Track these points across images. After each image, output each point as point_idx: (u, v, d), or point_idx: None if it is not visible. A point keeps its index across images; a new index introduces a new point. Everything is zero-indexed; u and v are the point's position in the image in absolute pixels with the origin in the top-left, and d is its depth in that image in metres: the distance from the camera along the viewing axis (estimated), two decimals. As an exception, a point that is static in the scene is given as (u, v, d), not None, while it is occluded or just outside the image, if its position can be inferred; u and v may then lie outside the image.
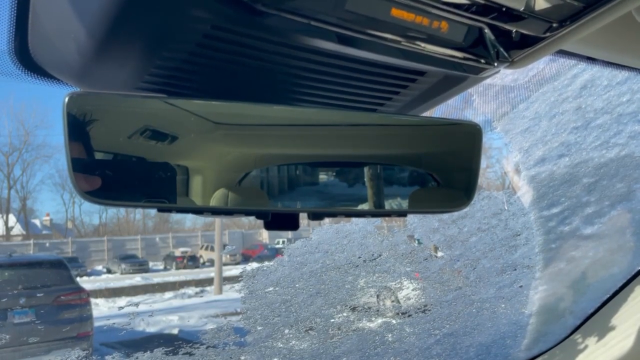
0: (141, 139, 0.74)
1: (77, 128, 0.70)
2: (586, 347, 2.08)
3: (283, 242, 24.05)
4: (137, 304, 13.33)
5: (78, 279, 9.78)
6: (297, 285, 2.85)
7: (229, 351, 2.82)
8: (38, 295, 7.49)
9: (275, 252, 23.62)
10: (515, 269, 2.93)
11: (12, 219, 38.80)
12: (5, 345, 6.61)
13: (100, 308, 13.70)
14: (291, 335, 2.81)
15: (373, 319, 3.28)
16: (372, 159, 0.92)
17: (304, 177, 0.88)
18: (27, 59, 0.85)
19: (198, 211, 0.84)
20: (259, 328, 2.78)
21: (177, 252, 30.27)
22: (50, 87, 0.88)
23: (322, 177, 0.89)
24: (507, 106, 2.59)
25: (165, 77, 0.77)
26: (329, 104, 0.92)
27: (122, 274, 25.34)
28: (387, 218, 2.09)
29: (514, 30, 0.79)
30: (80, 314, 7.68)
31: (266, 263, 3.11)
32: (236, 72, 0.79)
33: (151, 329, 10.21)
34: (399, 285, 3.26)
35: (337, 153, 0.91)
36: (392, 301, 3.74)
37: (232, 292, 14.26)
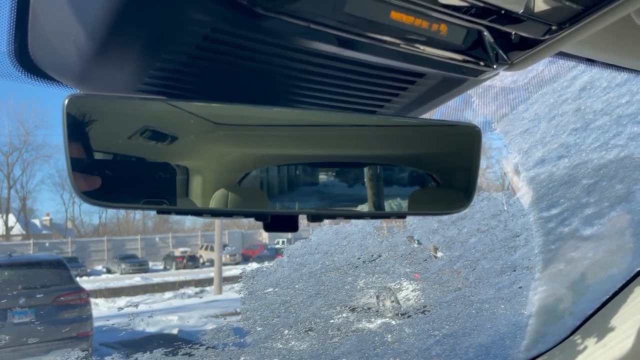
0: (141, 140, 0.74)
1: (77, 130, 0.70)
2: (585, 348, 2.09)
3: (283, 242, 24.04)
4: (136, 304, 13.33)
5: (78, 279, 9.78)
6: (296, 286, 2.85)
7: (228, 352, 2.82)
8: (38, 295, 7.49)
9: (275, 253, 23.61)
10: (514, 270, 2.94)
11: (11, 219, 38.80)
12: (5, 346, 6.60)
13: (100, 308, 13.69)
14: (291, 336, 2.81)
15: (373, 319, 3.28)
16: (371, 160, 0.93)
17: (304, 178, 0.88)
18: (27, 61, 0.85)
19: (198, 213, 0.84)
20: (259, 329, 2.78)
21: (177, 252, 30.26)
22: (50, 88, 0.89)
23: (322, 178, 0.89)
24: (506, 108, 2.59)
25: (164, 79, 0.78)
26: (329, 105, 0.92)
27: (121, 274, 25.32)
28: (386, 219, 2.10)
29: (513, 32, 0.79)
30: (79, 314, 7.67)
31: (266, 263, 3.11)
32: (236, 75, 0.79)
33: (151, 329, 10.20)
34: (398, 286, 3.26)
35: (337, 154, 0.91)
36: (392, 302, 3.74)
37: (231, 293, 14.26)
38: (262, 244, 31.72)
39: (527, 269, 2.83)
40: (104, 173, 0.72)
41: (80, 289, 8.12)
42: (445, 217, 2.94)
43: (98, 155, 0.72)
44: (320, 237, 3.04)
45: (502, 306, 2.88)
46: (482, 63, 0.82)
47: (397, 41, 0.74)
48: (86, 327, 7.65)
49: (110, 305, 14.69)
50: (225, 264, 21.57)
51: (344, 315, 2.98)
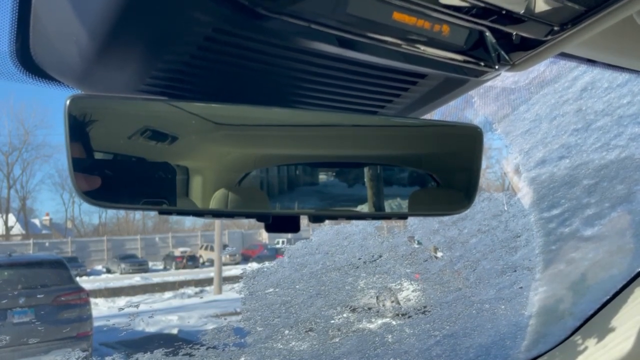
0: (142, 141, 0.74)
1: (78, 131, 0.70)
2: (586, 348, 2.08)
3: (283, 242, 24.04)
4: (136, 304, 13.32)
5: (78, 278, 9.77)
6: (297, 287, 2.85)
7: (229, 352, 2.82)
8: (37, 295, 7.48)
9: (275, 252, 23.62)
10: (515, 271, 2.93)
11: (11, 219, 38.81)
12: (5, 345, 6.60)
13: (100, 308, 13.70)
14: (291, 337, 2.81)
15: (373, 320, 3.28)
16: (372, 161, 0.92)
17: (305, 179, 0.88)
18: (28, 61, 0.85)
19: (199, 213, 0.84)
20: (259, 329, 2.78)
21: (177, 252, 30.27)
22: (52, 89, 0.88)
23: (323, 179, 0.89)
24: (507, 108, 2.59)
25: (166, 80, 0.77)
26: (330, 106, 0.92)
27: (121, 273, 25.33)
28: (387, 220, 2.09)
29: (515, 33, 0.79)
30: (79, 313, 7.67)
31: (266, 263, 3.11)
32: (237, 75, 0.79)
33: (151, 329, 10.21)
34: (399, 287, 3.26)
35: (338, 155, 0.91)
36: (392, 302, 3.73)
37: (231, 292, 14.24)
38: (262, 244, 31.73)
39: (528, 270, 2.83)
40: (105, 173, 0.72)
41: (80, 289, 8.11)
42: (446, 218, 2.94)
43: (99, 156, 0.72)
44: (320, 237, 3.04)
45: (503, 307, 2.88)
46: (483, 64, 0.82)
47: (399, 42, 0.74)
48: (86, 327, 7.65)
49: (110, 305, 14.70)
50: (225, 264, 21.57)
51: (345, 315, 2.98)
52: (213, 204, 0.80)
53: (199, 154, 0.80)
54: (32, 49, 0.84)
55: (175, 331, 10.48)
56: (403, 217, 0.98)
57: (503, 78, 2.23)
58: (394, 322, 3.25)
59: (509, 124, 2.64)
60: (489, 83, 0.95)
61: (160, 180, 0.76)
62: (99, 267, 28.44)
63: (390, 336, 2.91)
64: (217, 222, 17.31)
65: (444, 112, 1.33)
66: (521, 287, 2.85)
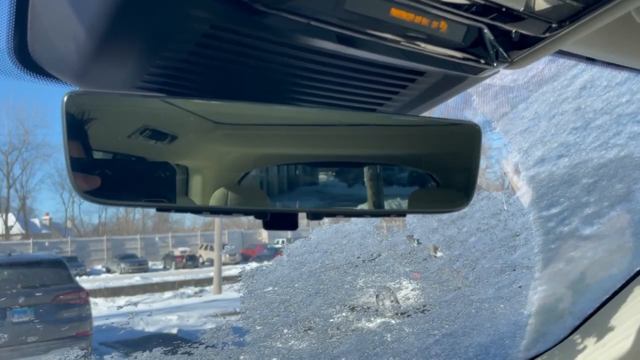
0: (140, 138, 0.74)
1: (76, 127, 0.70)
2: (585, 347, 2.08)
3: (282, 241, 24.05)
4: (136, 304, 13.34)
5: (77, 278, 9.76)
6: (296, 285, 2.85)
7: (227, 351, 2.81)
8: (37, 294, 7.48)
9: (275, 252, 23.62)
10: (514, 270, 2.93)
11: (11, 218, 38.79)
12: (4, 345, 6.60)
13: (100, 307, 13.69)
14: (290, 335, 2.81)
15: (372, 319, 3.28)
16: (371, 159, 0.92)
17: (304, 176, 0.88)
18: (26, 58, 0.85)
19: (197, 211, 0.84)
20: (258, 328, 2.78)
21: (177, 252, 30.28)
22: (50, 86, 0.88)
23: (322, 176, 0.89)
24: (506, 106, 2.59)
25: (164, 77, 0.77)
26: (328, 103, 0.92)
27: (121, 273, 25.33)
28: (386, 218, 2.09)
29: (514, 30, 0.79)
30: (79, 313, 7.67)
31: (265, 263, 3.11)
32: (236, 72, 0.79)
33: (150, 329, 10.20)
34: (398, 285, 3.26)
35: (337, 153, 0.91)
36: (391, 301, 3.73)
37: (231, 292, 14.25)
38: (261, 243, 31.73)
39: (527, 269, 2.83)
40: (103, 170, 0.72)
41: (79, 289, 8.11)
42: (445, 216, 2.94)
43: (97, 153, 0.72)
44: (319, 236, 3.03)
45: (502, 305, 2.88)
46: (482, 61, 0.82)
47: (397, 39, 0.74)
48: (85, 326, 7.65)
49: (110, 305, 14.69)
50: (224, 264, 21.57)
51: (344, 314, 2.98)
52: (212, 202, 0.80)
53: (197, 151, 0.80)
54: (30, 46, 0.84)
55: (174, 330, 10.48)
56: (402, 214, 0.98)
57: (502, 76, 2.23)
58: (393, 321, 3.25)
59: (508, 122, 2.64)
60: (487, 81, 0.95)
61: (159, 177, 0.76)
62: (99, 267, 28.44)
63: (389, 335, 2.91)
64: (217, 221, 17.30)
65: (443, 110, 1.33)
66: (520, 286, 2.85)
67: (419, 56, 0.78)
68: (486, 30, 0.78)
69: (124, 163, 0.74)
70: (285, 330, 2.80)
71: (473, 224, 3.06)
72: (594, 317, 2.14)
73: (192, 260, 28.41)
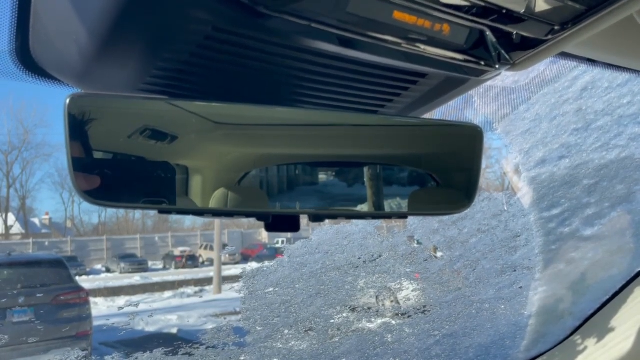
0: (141, 139, 0.74)
1: (78, 130, 0.70)
2: (585, 348, 2.08)
3: (282, 242, 24.04)
4: (136, 304, 13.32)
5: (77, 278, 9.76)
6: (297, 286, 2.85)
7: (228, 351, 2.81)
8: (37, 294, 7.48)
9: (275, 252, 23.62)
10: (515, 270, 2.93)
11: (11, 218, 38.81)
12: (5, 345, 6.60)
13: (100, 307, 13.69)
14: (291, 336, 2.81)
15: (373, 319, 3.27)
16: (373, 160, 0.92)
17: (305, 178, 0.88)
18: (28, 60, 0.85)
19: (199, 213, 0.84)
20: (259, 328, 2.77)
21: (177, 252, 30.28)
22: (51, 87, 0.88)
23: (323, 178, 0.89)
24: (507, 108, 2.59)
25: (166, 79, 0.77)
26: (330, 105, 0.92)
27: (121, 273, 25.34)
28: (387, 219, 2.09)
29: (515, 32, 0.79)
30: (79, 313, 7.67)
31: (266, 263, 3.11)
32: (237, 74, 0.79)
33: (150, 329, 10.21)
34: (398, 286, 3.26)
35: (338, 154, 0.91)
36: (392, 302, 3.73)
37: (231, 292, 14.25)
38: (261, 243, 31.72)
39: (528, 269, 2.83)
40: (104, 172, 0.72)
41: (79, 288, 8.11)
42: (445, 218, 2.94)
43: (99, 155, 0.72)
44: (320, 236, 3.03)
45: (503, 306, 2.87)
46: (484, 63, 0.82)
47: (400, 41, 0.74)
48: (85, 326, 7.65)
49: (110, 305, 14.70)
50: (224, 264, 21.57)
51: (344, 315, 2.98)
52: (213, 203, 0.80)
53: (199, 153, 0.80)
54: (32, 48, 0.84)
55: (174, 331, 10.48)
56: (403, 216, 0.98)
57: (503, 77, 2.22)
58: (393, 322, 3.25)
59: (509, 123, 2.64)
60: (489, 83, 0.95)
61: (160, 179, 0.76)
62: (99, 267, 28.44)
63: (389, 336, 2.91)
64: (217, 221, 17.30)
65: (445, 112, 1.33)
66: (521, 287, 2.85)
67: (421, 58, 0.78)
68: (488, 33, 0.78)
69: (125, 164, 0.74)
70: (286, 331, 2.80)
71: (474, 224, 3.06)
72: (595, 318, 2.14)
73: (192, 260, 28.42)
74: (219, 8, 0.63)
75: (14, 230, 38.45)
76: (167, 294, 17.54)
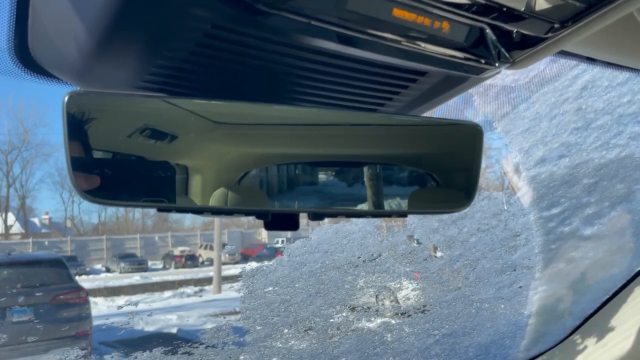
0: (141, 138, 0.73)
1: (77, 127, 0.70)
2: (585, 347, 2.08)
3: (282, 241, 24.06)
4: (136, 303, 13.32)
5: (77, 277, 9.77)
6: (296, 285, 2.85)
7: (228, 351, 2.81)
8: (37, 294, 7.48)
9: (275, 252, 23.62)
10: (514, 270, 2.93)
11: (11, 218, 38.79)
12: (4, 344, 6.59)
13: (99, 307, 13.69)
14: (290, 335, 2.81)
15: (372, 319, 3.28)
16: (372, 159, 0.92)
17: (304, 177, 0.87)
18: (26, 58, 0.85)
19: (198, 211, 0.83)
20: (258, 328, 2.77)
21: (176, 251, 30.28)
22: (50, 85, 0.88)
23: (322, 177, 0.89)
24: (507, 106, 2.59)
25: (165, 77, 0.77)
26: (330, 103, 0.91)
27: (121, 273, 25.33)
28: (386, 218, 2.09)
29: (515, 30, 0.79)
30: (79, 312, 7.67)
31: (265, 262, 3.11)
32: (236, 72, 0.79)
33: (150, 328, 10.20)
34: (398, 286, 3.26)
35: (337, 153, 0.91)
36: (392, 301, 3.73)
37: (231, 292, 14.25)
38: (261, 243, 31.71)
39: (527, 269, 2.83)
40: (103, 170, 0.72)
41: (79, 288, 8.11)
42: (445, 217, 2.94)
43: (98, 153, 0.72)
44: (320, 236, 3.03)
45: (502, 306, 2.88)
46: (484, 61, 0.82)
47: (399, 39, 0.74)
48: (85, 325, 7.65)
49: (110, 304, 14.69)
50: (224, 263, 21.57)
51: (344, 314, 2.98)
52: (212, 202, 0.80)
53: (198, 152, 0.80)
54: (31, 46, 0.84)
55: (174, 330, 10.48)
56: (403, 214, 0.98)
57: (503, 76, 2.22)
58: (393, 321, 3.25)
59: (509, 122, 2.64)
60: (488, 81, 0.95)
61: (160, 177, 0.76)
62: (98, 266, 28.44)
63: (389, 335, 2.91)
64: (217, 221, 17.31)
65: (444, 110, 1.32)
66: (521, 286, 2.85)
67: (420, 56, 0.78)
68: (488, 31, 0.78)
69: (124, 163, 0.74)
70: (286, 330, 2.80)
71: (473, 224, 3.06)
72: (594, 317, 2.14)
73: (191, 260, 28.42)
74: (218, 5, 0.63)
75: (13, 230, 38.44)
76: (167, 293, 17.54)
